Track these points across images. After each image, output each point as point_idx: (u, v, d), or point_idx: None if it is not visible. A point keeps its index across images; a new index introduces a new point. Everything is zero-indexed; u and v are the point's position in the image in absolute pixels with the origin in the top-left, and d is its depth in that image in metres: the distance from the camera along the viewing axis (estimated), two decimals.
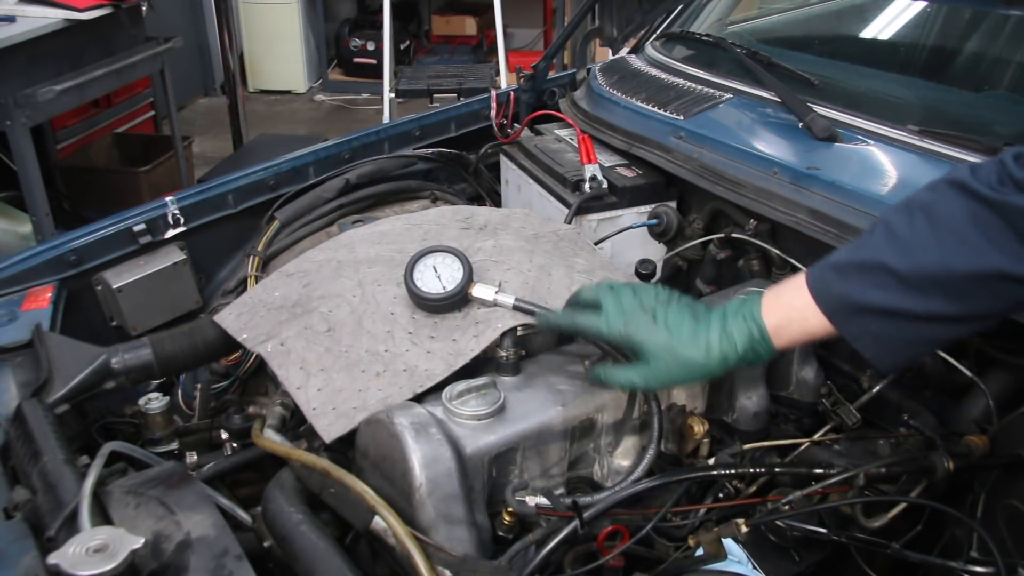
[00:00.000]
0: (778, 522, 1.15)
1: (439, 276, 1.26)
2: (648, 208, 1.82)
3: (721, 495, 1.20)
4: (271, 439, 1.21)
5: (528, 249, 1.41)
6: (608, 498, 1.06)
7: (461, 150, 2.21)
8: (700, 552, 1.07)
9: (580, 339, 1.29)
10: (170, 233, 1.82)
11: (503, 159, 2.14)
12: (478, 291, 1.25)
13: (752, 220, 1.62)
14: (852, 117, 1.63)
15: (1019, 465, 1.16)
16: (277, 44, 6.98)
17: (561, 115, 2.12)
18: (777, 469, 1.18)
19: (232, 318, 1.37)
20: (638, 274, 1.54)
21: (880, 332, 0.96)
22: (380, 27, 4.93)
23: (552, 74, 2.31)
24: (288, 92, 7.13)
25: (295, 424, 1.28)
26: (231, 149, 5.28)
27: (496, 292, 1.25)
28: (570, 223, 1.72)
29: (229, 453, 1.33)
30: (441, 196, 2.10)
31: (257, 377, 1.67)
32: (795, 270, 1.58)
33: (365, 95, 6.88)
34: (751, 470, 1.15)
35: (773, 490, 1.19)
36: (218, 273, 1.96)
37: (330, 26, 7.07)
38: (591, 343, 1.21)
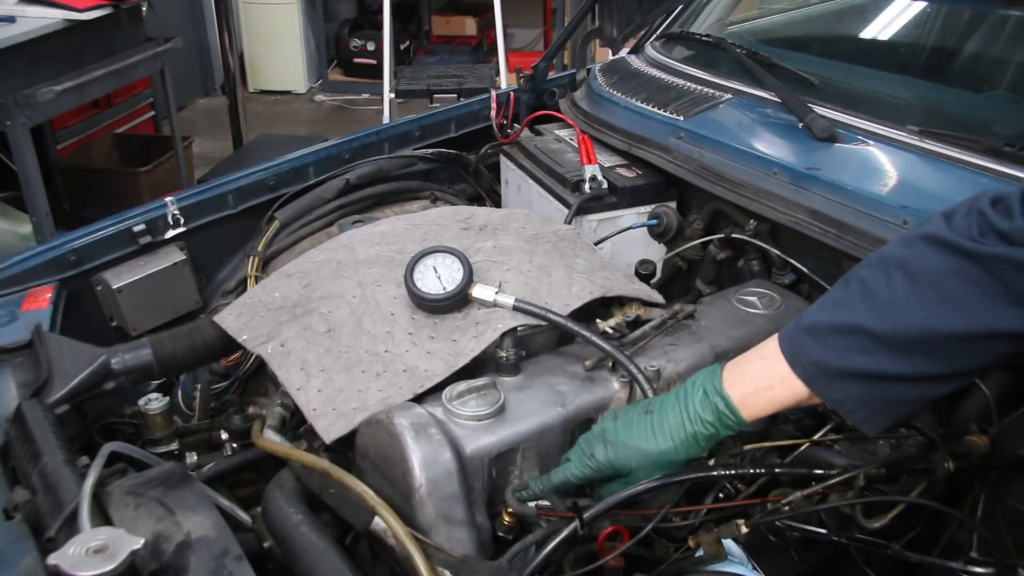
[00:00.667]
0: (778, 522, 1.15)
1: (439, 277, 1.26)
2: (648, 208, 1.82)
3: (721, 495, 1.20)
4: (271, 439, 1.21)
5: (528, 249, 1.40)
6: (608, 499, 1.06)
7: (461, 150, 2.21)
8: (700, 553, 1.07)
9: (580, 340, 1.29)
10: (170, 233, 1.82)
11: (503, 159, 2.13)
12: (478, 292, 1.25)
13: (752, 220, 1.62)
14: (852, 117, 1.63)
15: (1019, 465, 1.16)
16: (277, 44, 6.98)
17: (561, 115, 2.12)
18: (777, 470, 1.17)
19: (232, 318, 1.37)
20: (638, 274, 1.54)
21: (864, 396, 0.91)
22: (380, 27, 4.93)
23: (552, 74, 2.32)
24: (288, 92, 7.13)
25: (295, 424, 1.28)
26: (231, 149, 5.28)
27: (496, 293, 1.25)
28: (570, 223, 1.72)
29: (229, 453, 1.33)
30: (441, 196, 2.10)
31: (257, 377, 1.67)
32: (795, 270, 1.59)
33: (365, 95, 6.88)
34: (751, 470, 1.14)
35: (773, 490, 1.19)
36: (218, 273, 1.96)
37: (330, 26, 7.07)
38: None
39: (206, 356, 1.42)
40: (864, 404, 0.92)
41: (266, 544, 1.14)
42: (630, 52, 2.28)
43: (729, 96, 1.84)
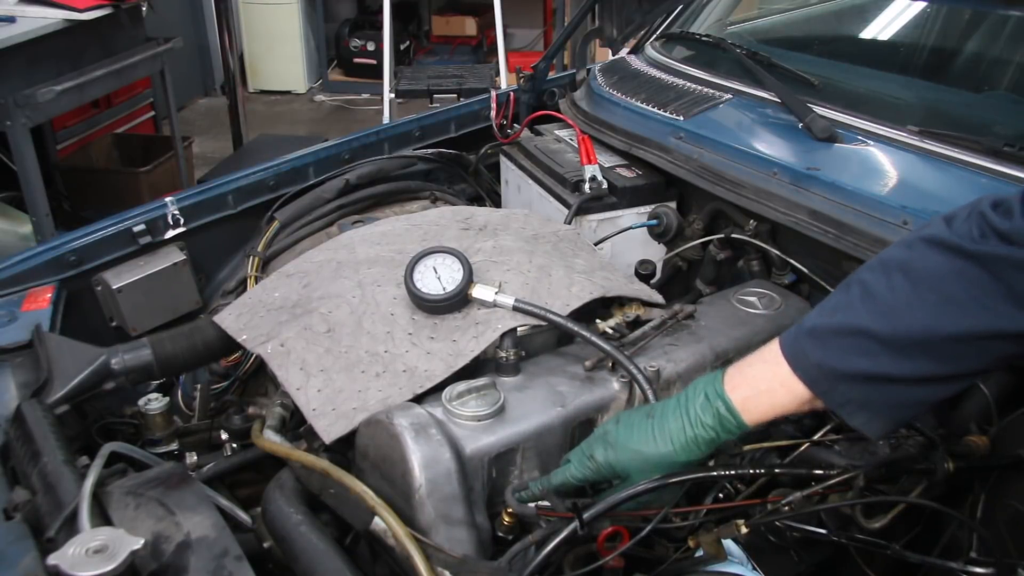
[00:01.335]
0: (778, 523, 1.15)
1: (439, 277, 1.26)
2: (648, 208, 1.82)
3: (721, 496, 1.20)
4: (271, 440, 1.21)
5: (528, 250, 1.40)
6: (608, 499, 1.06)
7: (461, 150, 2.21)
8: (700, 553, 1.07)
9: (580, 340, 1.29)
10: (170, 233, 1.82)
11: (503, 159, 2.13)
12: (478, 292, 1.25)
13: (752, 220, 1.62)
14: (852, 117, 1.63)
15: (1019, 465, 1.16)
16: (277, 44, 6.98)
17: (561, 115, 2.12)
18: (777, 470, 1.17)
19: (232, 318, 1.37)
20: (638, 274, 1.54)
21: (866, 399, 0.91)
22: (380, 27, 4.93)
23: (552, 74, 2.32)
24: (288, 92, 7.13)
25: (295, 425, 1.28)
26: (231, 149, 5.28)
27: (496, 293, 1.25)
28: (570, 224, 1.72)
29: (229, 454, 1.33)
30: (441, 196, 2.10)
31: (257, 378, 1.67)
32: (795, 270, 1.59)
33: (365, 95, 6.88)
34: (751, 471, 1.14)
35: (773, 491, 1.19)
36: (218, 273, 1.96)
37: (330, 26, 7.07)
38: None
39: (206, 356, 1.42)
40: (866, 407, 0.92)
41: (266, 544, 1.14)
42: (630, 52, 2.28)
43: (729, 96, 1.84)
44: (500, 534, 1.08)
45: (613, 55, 2.32)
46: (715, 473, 1.13)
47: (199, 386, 1.52)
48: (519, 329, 1.24)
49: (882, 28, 2.12)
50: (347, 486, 1.03)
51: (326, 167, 2.03)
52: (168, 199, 1.82)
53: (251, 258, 1.83)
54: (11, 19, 3.33)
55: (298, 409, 1.20)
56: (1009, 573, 1.04)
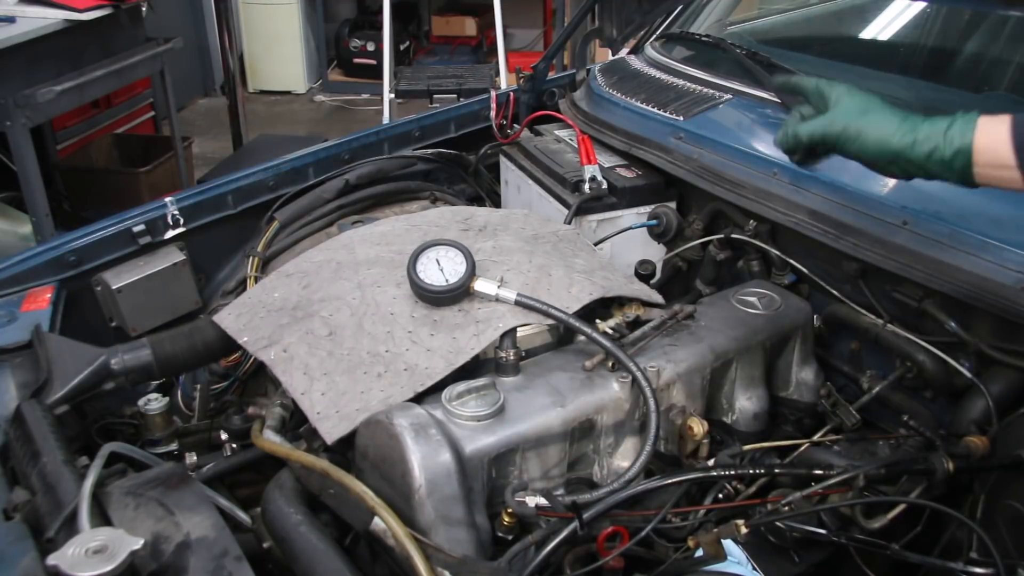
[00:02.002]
0: (778, 523, 1.15)
1: (442, 269, 1.26)
2: (648, 209, 1.82)
3: (721, 496, 1.20)
4: (270, 440, 1.21)
5: (528, 250, 1.41)
6: (607, 499, 1.06)
7: (461, 151, 2.21)
8: (700, 553, 1.07)
9: (581, 337, 1.29)
10: (170, 234, 1.82)
11: (503, 160, 2.13)
12: (480, 285, 1.26)
13: (752, 221, 1.62)
14: None
15: (1019, 466, 1.16)
16: (277, 44, 6.98)
17: (561, 116, 2.12)
18: (777, 470, 1.18)
19: (232, 319, 1.37)
20: (638, 274, 1.54)
21: None
22: (380, 28, 4.93)
23: (552, 75, 2.32)
24: (288, 93, 7.13)
25: (294, 425, 1.28)
26: (231, 149, 5.28)
27: (499, 287, 1.25)
28: (570, 224, 1.72)
29: (228, 454, 1.33)
30: (441, 197, 2.10)
31: (256, 378, 1.67)
32: (795, 270, 1.59)
33: (365, 96, 6.88)
34: (751, 471, 1.14)
35: (773, 491, 1.19)
36: (218, 273, 1.96)
37: (330, 26, 7.07)
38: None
39: (206, 356, 1.42)
40: None
41: (266, 544, 1.14)
42: (630, 52, 2.28)
43: (729, 96, 1.84)
44: (500, 534, 1.08)
45: (613, 55, 2.32)
46: (715, 473, 1.13)
47: (199, 386, 1.52)
48: (519, 330, 1.24)
49: (882, 28, 2.12)
50: (347, 486, 1.03)
51: (326, 167, 2.03)
52: (168, 199, 1.82)
53: (251, 258, 1.83)
54: (11, 19, 3.33)
55: (298, 409, 1.20)
56: (1009, 573, 1.04)
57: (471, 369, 1.21)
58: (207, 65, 6.85)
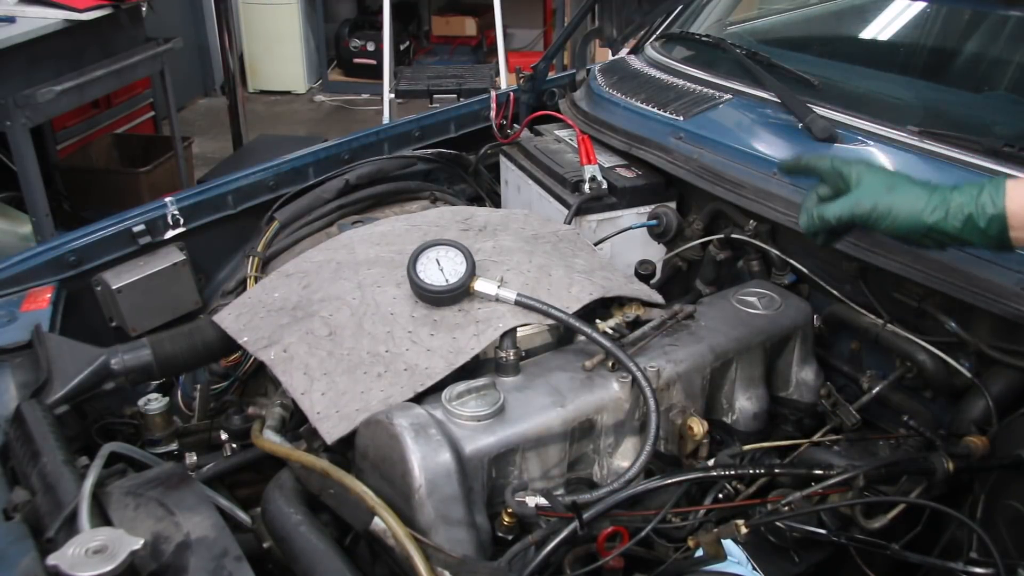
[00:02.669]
0: (778, 523, 1.15)
1: (442, 269, 1.26)
2: (648, 209, 1.82)
3: (720, 496, 1.20)
4: (270, 440, 1.21)
5: (528, 250, 1.41)
6: (607, 499, 1.06)
7: (461, 151, 2.21)
8: (700, 553, 1.07)
9: (581, 337, 1.29)
10: (170, 234, 1.82)
11: (503, 160, 2.13)
12: (480, 285, 1.26)
13: (752, 221, 1.62)
14: (852, 118, 1.63)
15: (1019, 466, 1.16)
16: (277, 44, 6.98)
17: (561, 116, 2.12)
18: (777, 470, 1.18)
19: (232, 319, 1.37)
20: (638, 274, 1.54)
21: None
22: (380, 27, 4.93)
23: (552, 75, 2.31)
24: (288, 93, 7.13)
25: (294, 425, 1.28)
26: (231, 149, 5.28)
27: (499, 287, 1.25)
28: (570, 224, 1.72)
29: (228, 454, 1.33)
30: (441, 197, 2.10)
31: (256, 378, 1.67)
32: (795, 270, 1.59)
33: (365, 96, 6.88)
34: (750, 471, 1.14)
35: (773, 491, 1.19)
36: (218, 274, 1.96)
37: (330, 26, 7.07)
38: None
39: (206, 356, 1.42)
40: None
41: (266, 544, 1.14)
42: (630, 52, 2.28)
43: (729, 96, 1.84)
44: (500, 534, 1.08)
45: (613, 55, 2.32)
46: (715, 473, 1.13)
47: (199, 386, 1.52)
48: (519, 330, 1.24)
49: (882, 28, 2.12)
50: (347, 486, 1.03)
51: (326, 167, 2.03)
52: (168, 199, 1.82)
53: (251, 258, 1.83)
54: (11, 19, 3.33)
55: (298, 409, 1.20)
56: (1009, 573, 1.04)
57: (471, 369, 1.21)
58: (207, 65, 6.85)
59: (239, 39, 6.57)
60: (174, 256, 1.81)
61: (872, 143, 1.57)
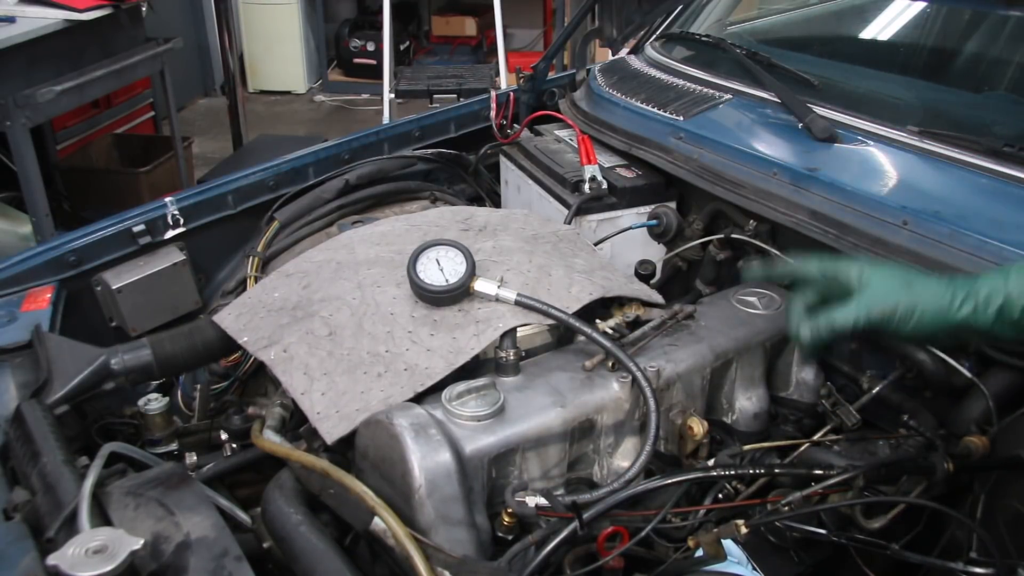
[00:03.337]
0: (778, 523, 1.15)
1: (442, 269, 1.26)
2: (648, 209, 1.82)
3: (720, 496, 1.20)
4: (270, 440, 1.21)
5: (528, 250, 1.41)
6: (607, 499, 1.06)
7: (461, 151, 2.21)
8: (700, 553, 1.07)
9: (581, 337, 1.29)
10: (170, 234, 1.82)
11: (503, 160, 2.13)
12: (480, 285, 1.26)
13: (752, 221, 1.62)
14: (852, 118, 1.63)
15: (1019, 466, 1.16)
16: (277, 44, 6.98)
17: (561, 116, 2.12)
18: (777, 470, 1.17)
19: (232, 319, 1.37)
20: (638, 274, 1.54)
21: None
22: (380, 28, 4.93)
23: (552, 75, 2.31)
24: (288, 93, 7.13)
25: (294, 425, 1.28)
26: (231, 149, 5.28)
27: (499, 287, 1.25)
28: (570, 224, 1.72)
29: (229, 454, 1.33)
30: (441, 197, 2.10)
31: (256, 378, 1.67)
32: None
33: (365, 96, 6.88)
34: (750, 471, 1.14)
35: (773, 491, 1.19)
36: (218, 273, 1.96)
37: (330, 26, 7.07)
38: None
39: (206, 356, 1.42)
40: None
41: (266, 544, 1.14)
42: (630, 52, 2.28)
43: (729, 96, 1.84)
44: (500, 534, 1.08)
45: (613, 55, 2.32)
46: (715, 473, 1.13)
47: (199, 386, 1.52)
48: (519, 330, 1.24)
49: (882, 28, 2.12)
50: (347, 486, 1.03)
51: (326, 167, 2.03)
52: (168, 199, 1.82)
53: (251, 258, 1.83)
54: (11, 19, 3.33)
55: (298, 409, 1.20)
56: (1009, 573, 1.04)
57: (471, 369, 1.21)
58: (207, 65, 6.85)
59: (239, 39, 6.58)
60: (174, 256, 1.81)
61: (872, 143, 1.57)
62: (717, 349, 1.32)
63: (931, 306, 0.98)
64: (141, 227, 1.76)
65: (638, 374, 1.15)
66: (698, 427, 1.22)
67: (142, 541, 0.86)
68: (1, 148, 3.49)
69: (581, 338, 1.29)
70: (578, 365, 1.22)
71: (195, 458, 1.34)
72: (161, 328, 1.73)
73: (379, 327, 1.26)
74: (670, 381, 1.25)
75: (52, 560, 0.83)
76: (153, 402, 1.35)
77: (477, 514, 1.06)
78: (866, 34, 2.16)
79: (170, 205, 1.81)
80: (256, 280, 1.78)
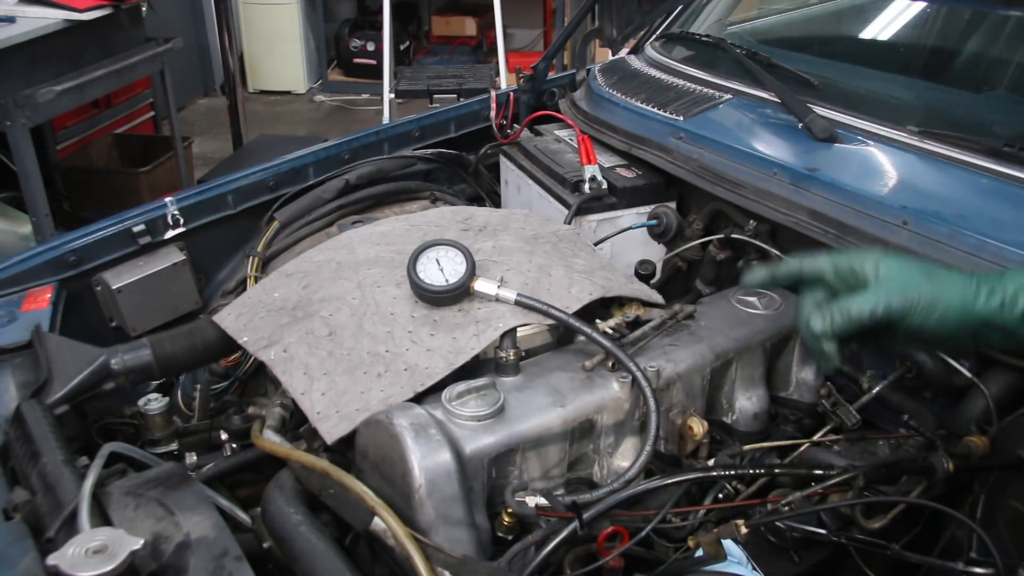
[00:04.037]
0: (778, 523, 1.15)
1: (442, 269, 1.26)
2: (648, 209, 1.82)
3: (720, 496, 1.20)
4: (270, 440, 1.21)
5: (528, 250, 1.41)
6: (607, 499, 1.06)
7: (461, 151, 2.21)
8: (700, 553, 1.07)
9: (581, 337, 1.29)
10: (170, 234, 1.82)
11: (503, 160, 2.13)
12: (480, 285, 1.26)
13: (752, 221, 1.62)
14: (852, 118, 1.63)
15: (1019, 466, 1.16)
16: (277, 44, 6.99)
17: (561, 116, 2.12)
18: (777, 470, 1.17)
19: (232, 319, 1.37)
20: (638, 274, 1.54)
21: None
22: (380, 27, 4.93)
23: (552, 75, 2.32)
24: (288, 93, 7.13)
25: (294, 425, 1.28)
26: (231, 149, 5.29)
27: (499, 287, 1.25)
28: (570, 224, 1.72)
29: (228, 454, 1.33)
30: (441, 197, 2.10)
31: (256, 378, 1.67)
32: None
33: (365, 96, 6.89)
34: (750, 471, 1.14)
35: (773, 491, 1.19)
36: (218, 274, 1.96)
37: (330, 26, 7.08)
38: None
39: (206, 356, 1.42)
40: None
41: (266, 544, 1.14)
42: (630, 52, 2.28)
43: (729, 96, 1.84)
44: (500, 534, 1.08)
45: (613, 55, 2.32)
46: (715, 473, 1.13)
47: (199, 386, 1.52)
48: (519, 330, 1.24)
49: (882, 28, 2.12)
50: (347, 486, 1.03)
51: (326, 167, 2.03)
52: (168, 199, 1.82)
53: (251, 258, 1.83)
54: (11, 19, 3.33)
55: (298, 409, 1.20)
56: (1009, 573, 1.04)
57: (471, 369, 1.21)
58: (207, 65, 6.86)
59: (239, 39, 6.58)
60: (174, 256, 1.81)
61: (872, 143, 1.57)
62: (717, 349, 1.32)
63: (955, 299, 0.91)
64: (141, 227, 1.76)
65: (638, 374, 1.15)
66: (698, 427, 1.22)
67: (142, 541, 0.86)
68: (1, 148, 3.49)
69: (581, 338, 1.29)
70: (578, 365, 1.21)
71: (195, 458, 1.34)
72: (161, 328, 1.73)
73: (379, 327, 1.25)
74: (670, 381, 1.25)
75: (52, 560, 0.83)
76: (153, 402, 1.35)
77: (477, 514, 1.06)
78: (866, 34, 2.16)
79: (170, 205, 1.81)
80: (256, 280, 1.78)
